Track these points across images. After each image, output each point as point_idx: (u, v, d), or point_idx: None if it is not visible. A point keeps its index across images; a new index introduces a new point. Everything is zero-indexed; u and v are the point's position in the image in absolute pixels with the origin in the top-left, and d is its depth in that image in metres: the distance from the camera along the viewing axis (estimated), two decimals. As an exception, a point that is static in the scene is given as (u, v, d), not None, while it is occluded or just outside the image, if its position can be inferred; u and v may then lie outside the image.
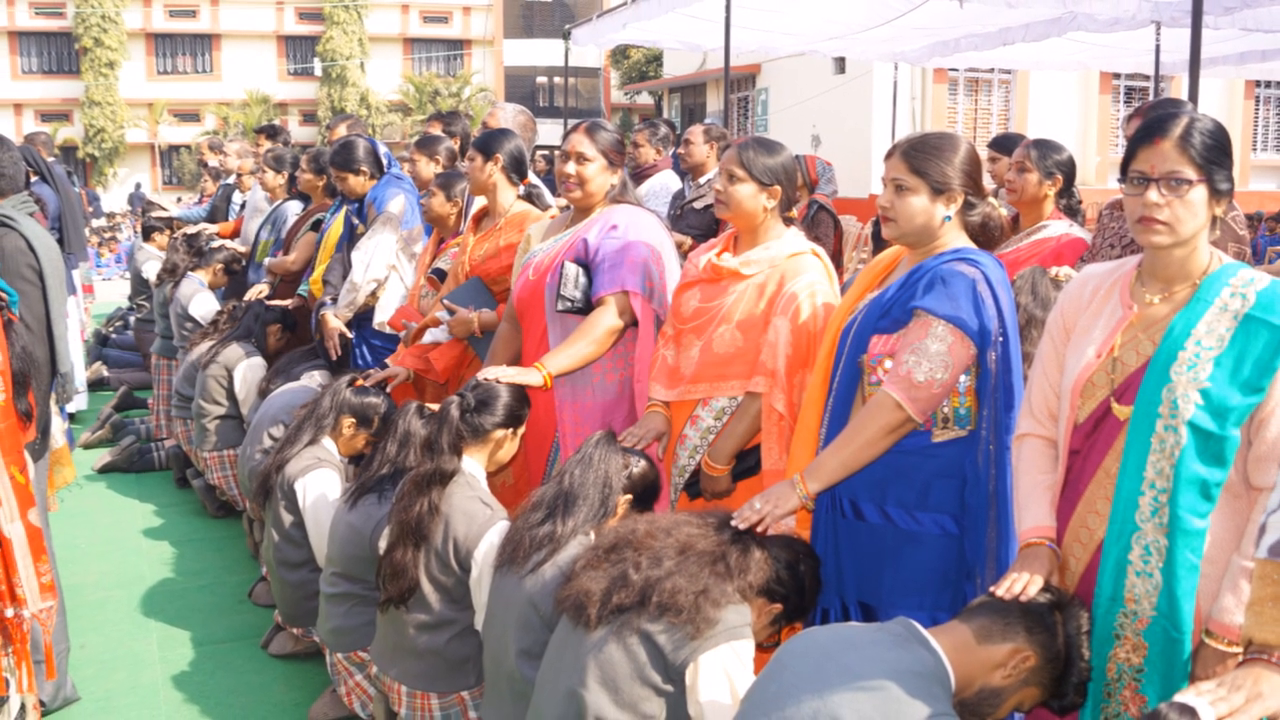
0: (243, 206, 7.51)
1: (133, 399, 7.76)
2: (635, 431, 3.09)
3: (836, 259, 5.81)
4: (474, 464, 3.09)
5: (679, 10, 9.69)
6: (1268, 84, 20.38)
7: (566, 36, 12.28)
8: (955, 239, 2.60)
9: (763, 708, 1.94)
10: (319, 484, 3.77)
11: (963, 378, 2.51)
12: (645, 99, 32.36)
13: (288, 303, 5.70)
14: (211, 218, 8.19)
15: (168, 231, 8.70)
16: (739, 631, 2.27)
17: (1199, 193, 2.04)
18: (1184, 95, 8.09)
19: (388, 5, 34.44)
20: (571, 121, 4.84)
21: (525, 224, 3.87)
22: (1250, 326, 2.02)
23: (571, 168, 3.45)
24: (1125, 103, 19.75)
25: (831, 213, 5.94)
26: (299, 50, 34.50)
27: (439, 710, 3.03)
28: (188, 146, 32.25)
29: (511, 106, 5.39)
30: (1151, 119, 2.09)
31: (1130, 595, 2.11)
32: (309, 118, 33.98)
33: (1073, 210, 4.08)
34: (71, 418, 7.22)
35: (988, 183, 3.06)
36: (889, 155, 2.61)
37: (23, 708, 2.86)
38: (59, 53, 32.87)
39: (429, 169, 5.12)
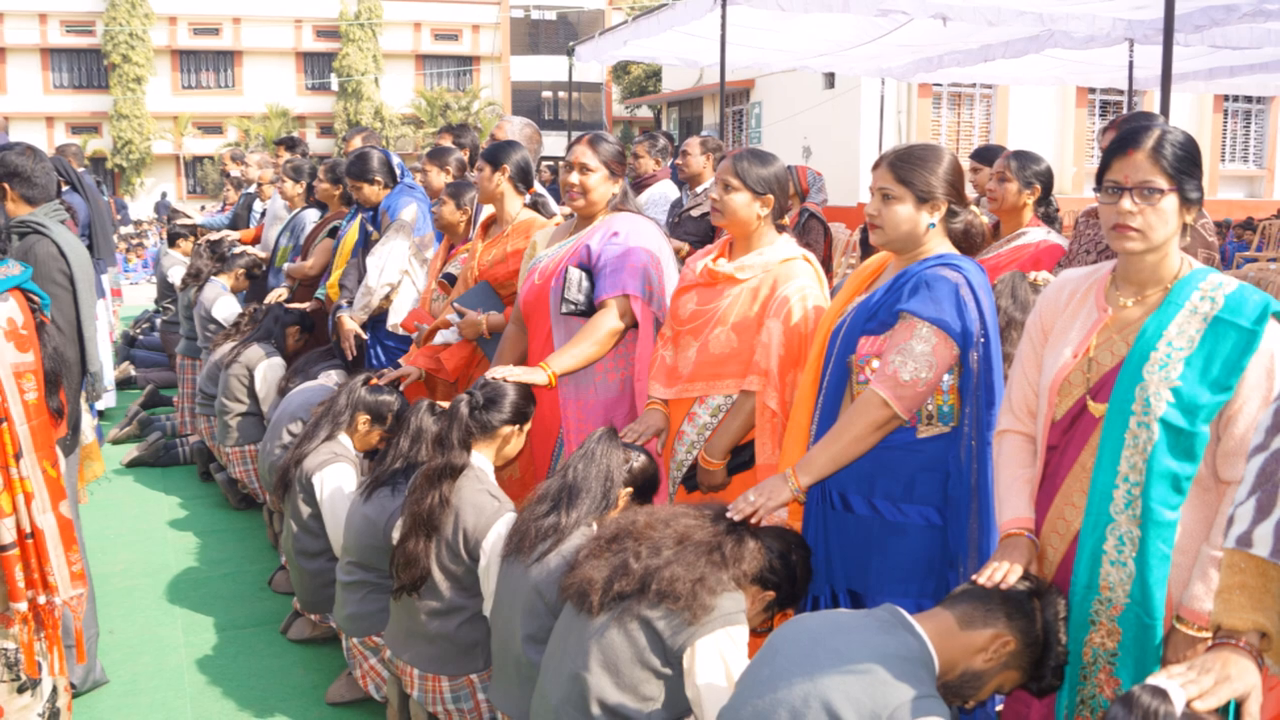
0: (263, 214, 7.52)
1: (159, 397, 7.76)
2: (635, 428, 3.09)
3: (826, 264, 5.80)
4: (482, 459, 3.09)
5: (677, 28, 9.70)
6: (1235, 98, 20.37)
7: (570, 53, 12.27)
8: (939, 245, 2.60)
9: (756, 690, 1.94)
10: (335, 478, 3.77)
11: (946, 377, 2.51)
12: (645, 112, 32.36)
13: (306, 306, 5.70)
14: (233, 225, 8.20)
15: (192, 238, 8.72)
16: (734, 618, 2.27)
17: (1170, 201, 2.04)
18: (1156, 109, 8.09)
19: (401, 24, 34.43)
20: (575, 134, 4.83)
21: (531, 231, 3.87)
22: (1219, 328, 2.02)
23: (575, 177, 3.45)
24: (1100, 116, 19.74)
25: (822, 220, 5.94)
26: (317, 66, 34.49)
27: (449, 692, 3.03)
28: (211, 157, 32.25)
29: (518, 119, 5.39)
30: (1125, 131, 2.09)
31: (1105, 583, 2.10)
32: (326, 130, 33.97)
33: (1050, 218, 4.08)
34: (101, 415, 7.23)
35: (970, 192, 3.05)
36: (876, 166, 2.61)
37: (54, 690, 2.86)
38: (89, 68, 32.86)
39: (440, 179, 5.12)
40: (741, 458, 3.05)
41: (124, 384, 8.48)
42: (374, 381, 3.97)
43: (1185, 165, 2.04)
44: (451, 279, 4.37)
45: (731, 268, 3.06)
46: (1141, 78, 10.98)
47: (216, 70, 34.06)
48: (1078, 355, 2.17)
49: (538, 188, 4.30)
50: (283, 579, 4.51)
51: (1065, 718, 2.20)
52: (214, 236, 7.57)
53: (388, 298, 4.80)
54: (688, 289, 3.17)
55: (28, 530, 2.65)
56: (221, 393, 5.47)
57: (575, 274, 3.37)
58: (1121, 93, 14.75)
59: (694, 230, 5.61)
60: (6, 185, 3.46)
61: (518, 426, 3.15)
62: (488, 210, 4.25)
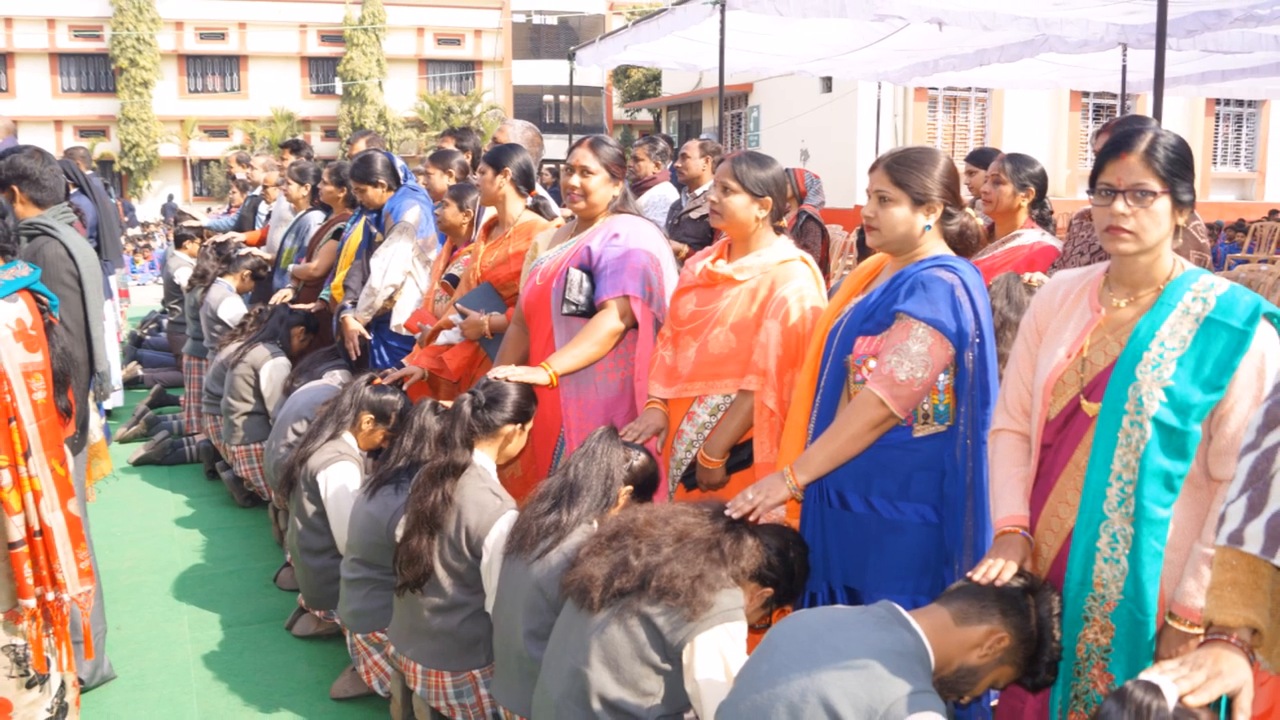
0: (268, 216, 7.51)
1: (165, 396, 7.76)
2: (635, 427, 3.09)
3: (824, 266, 5.78)
4: (485, 457, 3.09)
5: (676, 33, 9.71)
6: (1227, 102, 20.39)
7: (571, 57, 12.27)
8: (935, 247, 2.60)
9: (755, 685, 1.94)
10: (340, 476, 3.77)
11: (942, 376, 2.51)
12: (645, 116, 32.36)
13: (310, 306, 5.69)
14: (239, 227, 8.20)
15: (198, 240, 8.72)
16: (732, 614, 2.27)
17: (1163, 203, 2.04)
18: (1149, 112, 8.10)
19: (404, 28, 34.44)
20: (576, 137, 4.84)
21: (533, 233, 3.87)
22: (1211, 329, 2.02)
23: (576, 180, 3.45)
24: (1094, 119, 19.75)
25: (819, 222, 5.93)
26: (321, 70, 34.50)
27: (452, 687, 3.03)
28: (217, 160, 32.28)
29: (520, 123, 5.39)
30: (1118, 135, 2.09)
31: (1098, 580, 2.11)
32: (330, 133, 33.97)
33: (1044, 220, 4.08)
34: (108, 414, 7.22)
35: (965, 194, 3.07)
36: (873, 169, 2.61)
37: (63, 685, 2.86)
38: (97, 72, 32.87)
39: (443, 181, 5.12)
40: (740, 456, 3.05)
41: (131, 384, 8.48)
42: (378, 381, 3.97)
43: (1177, 168, 2.04)
44: (454, 280, 4.38)
45: (730, 269, 3.06)
46: (1134, 81, 11.00)
47: (222, 74, 34.07)
48: (1071, 355, 2.17)
49: (539, 190, 4.30)
50: (287, 576, 4.51)
51: (1059, 713, 2.21)
52: (220, 238, 7.57)
53: (391, 299, 4.81)
54: (687, 290, 3.17)
55: (36, 528, 2.65)
56: (227, 392, 5.47)
57: (576, 275, 3.37)
58: (1115, 96, 14.77)
59: (693, 232, 5.61)
60: (16, 188, 3.46)
61: (519, 425, 3.15)
62: (490, 212, 4.25)
